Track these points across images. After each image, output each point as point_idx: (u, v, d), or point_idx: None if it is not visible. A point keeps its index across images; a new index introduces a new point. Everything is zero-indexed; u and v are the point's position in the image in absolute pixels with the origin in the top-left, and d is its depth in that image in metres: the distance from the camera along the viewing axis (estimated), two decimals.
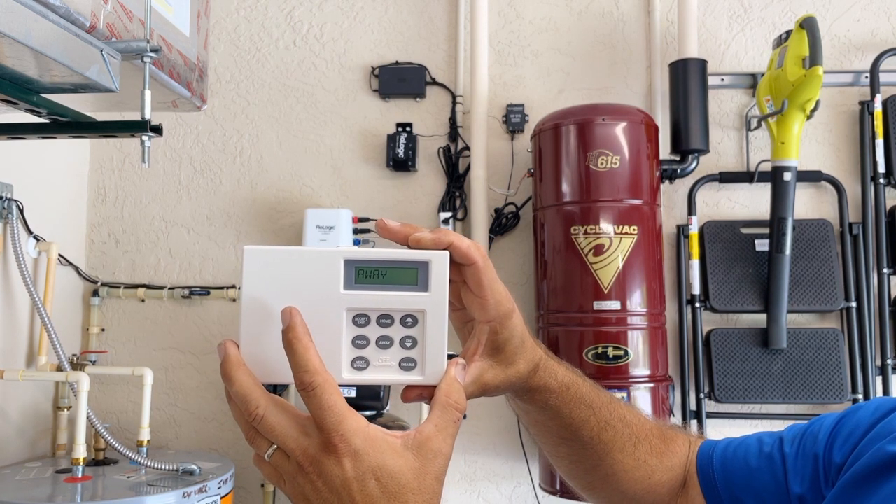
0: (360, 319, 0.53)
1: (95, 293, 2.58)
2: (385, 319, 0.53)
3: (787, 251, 2.24)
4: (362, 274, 0.52)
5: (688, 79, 2.32)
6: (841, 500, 0.56)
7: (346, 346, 0.53)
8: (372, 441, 0.48)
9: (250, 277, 0.51)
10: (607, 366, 2.05)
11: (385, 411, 2.22)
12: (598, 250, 2.09)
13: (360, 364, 0.53)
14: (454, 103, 2.54)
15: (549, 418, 0.66)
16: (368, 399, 2.12)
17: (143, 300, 2.59)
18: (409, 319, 0.53)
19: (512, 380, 0.59)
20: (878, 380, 2.32)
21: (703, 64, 2.34)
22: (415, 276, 0.53)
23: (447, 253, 0.53)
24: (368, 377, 0.53)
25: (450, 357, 0.55)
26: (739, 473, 0.68)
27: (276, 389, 2.32)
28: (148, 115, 1.34)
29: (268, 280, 0.51)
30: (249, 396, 0.49)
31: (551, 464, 0.75)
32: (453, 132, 2.53)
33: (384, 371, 0.53)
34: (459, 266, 0.55)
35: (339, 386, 0.50)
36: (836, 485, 0.58)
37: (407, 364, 0.53)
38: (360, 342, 0.53)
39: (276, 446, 0.49)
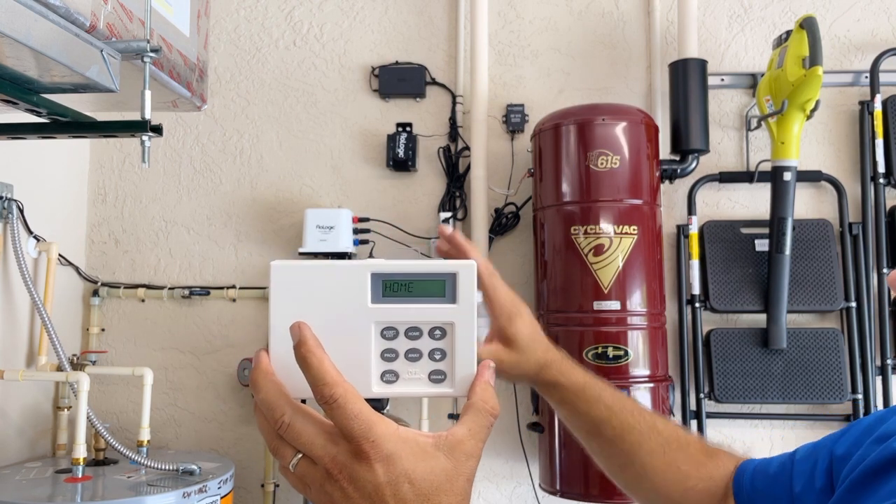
0: (388, 332, 0.52)
1: (95, 293, 2.58)
2: (414, 332, 0.53)
3: (787, 251, 2.24)
4: (389, 287, 0.52)
5: (688, 79, 2.32)
6: (849, 497, 0.58)
7: (375, 360, 0.52)
8: (404, 444, 0.48)
9: (278, 293, 0.51)
10: (607, 366, 2.05)
11: (385, 412, 2.22)
12: (598, 250, 2.09)
13: (389, 377, 0.53)
14: (454, 103, 2.54)
15: (569, 413, 0.76)
16: (368, 400, 2.12)
17: (143, 300, 2.59)
18: (437, 332, 0.53)
19: (524, 368, 0.69)
20: (878, 380, 2.32)
21: (703, 64, 2.34)
22: (442, 287, 0.52)
23: (474, 263, 0.53)
24: (398, 390, 0.53)
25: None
26: (762, 483, 0.73)
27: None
28: (148, 115, 1.34)
29: (295, 295, 0.51)
30: (275, 403, 0.49)
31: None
32: (453, 132, 2.53)
33: (414, 384, 0.53)
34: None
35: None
36: (844, 482, 0.60)
37: (436, 376, 0.53)
38: (388, 355, 0.53)
39: (300, 455, 0.48)
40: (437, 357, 0.53)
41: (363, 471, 0.46)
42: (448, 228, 0.68)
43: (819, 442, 0.71)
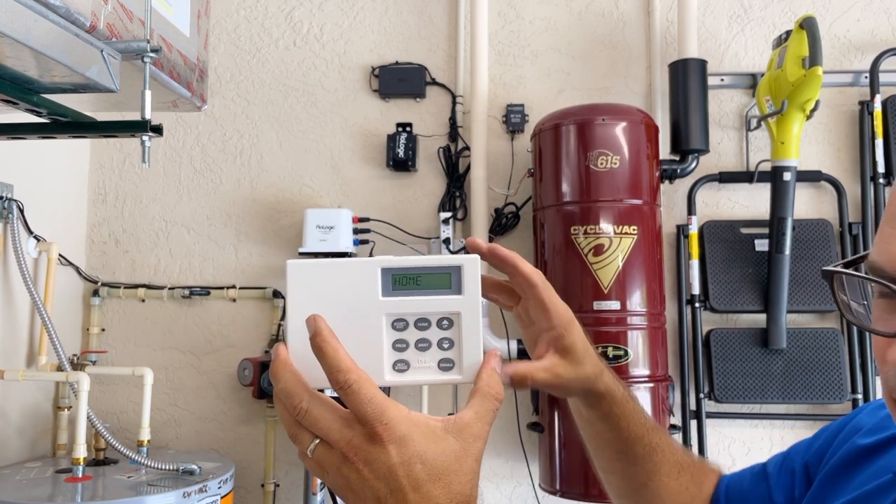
0: (398, 324, 0.55)
1: (95, 293, 2.58)
2: (422, 323, 0.55)
3: (787, 251, 2.24)
4: (399, 281, 0.55)
5: (688, 79, 2.32)
6: (821, 491, 0.63)
7: (387, 350, 0.55)
8: (416, 426, 0.50)
9: (294, 290, 0.54)
10: None
11: None
12: (598, 250, 2.09)
13: (401, 366, 0.55)
14: (454, 103, 2.54)
15: (608, 428, 0.71)
16: None
17: (143, 300, 2.59)
18: (445, 322, 0.56)
19: (581, 378, 0.65)
20: (878, 380, 2.31)
21: (702, 64, 2.34)
22: (448, 280, 0.55)
23: (477, 257, 0.57)
24: (410, 378, 0.56)
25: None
26: (737, 497, 0.75)
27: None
28: (148, 115, 1.34)
29: (311, 292, 0.54)
30: (293, 391, 0.51)
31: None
32: (453, 132, 2.53)
33: (424, 372, 0.56)
34: (522, 287, 0.64)
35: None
36: (816, 479, 0.66)
37: (445, 364, 0.56)
38: (399, 345, 0.55)
39: (318, 440, 0.51)
40: (446, 346, 0.56)
41: (377, 452, 0.49)
42: (481, 243, 0.62)
43: (790, 452, 0.74)
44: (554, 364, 0.63)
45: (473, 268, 0.56)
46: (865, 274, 0.49)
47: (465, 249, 0.64)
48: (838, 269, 0.51)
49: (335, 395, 0.52)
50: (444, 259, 0.56)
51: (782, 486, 0.72)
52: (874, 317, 0.49)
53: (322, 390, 0.52)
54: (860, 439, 0.64)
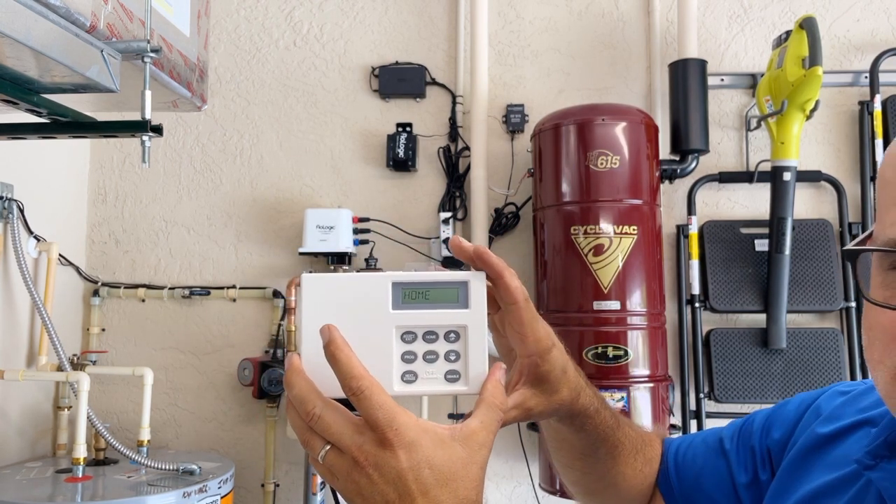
0: (407, 336, 0.57)
1: (96, 293, 2.58)
2: (430, 335, 0.58)
3: (787, 251, 2.24)
4: (408, 295, 0.57)
5: (687, 79, 2.32)
6: (786, 478, 0.66)
7: (396, 361, 0.57)
8: (424, 433, 0.51)
9: (309, 302, 0.56)
10: (607, 366, 2.05)
11: None
12: (598, 250, 2.09)
13: (409, 377, 0.57)
14: (454, 103, 2.54)
15: (579, 438, 0.71)
16: None
17: (143, 300, 2.59)
18: (452, 335, 0.58)
19: (555, 406, 0.64)
20: None
21: (702, 64, 2.34)
22: (455, 294, 0.58)
23: (483, 273, 0.59)
24: (418, 389, 0.57)
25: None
26: (690, 475, 0.76)
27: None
28: (148, 115, 1.34)
29: (324, 304, 0.56)
30: (306, 398, 0.52)
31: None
32: (453, 132, 2.53)
33: (431, 383, 0.58)
34: (503, 299, 0.60)
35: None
36: (780, 466, 0.68)
37: (452, 376, 0.58)
38: (408, 357, 0.57)
39: (329, 446, 0.52)
40: (452, 358, 0.58)
41: (387, 457, 0.50)
42: (465, 243, 0.59)
43: (745, 426, 0.75)
44: (525, 398, 0.61)
45: (479, 283, 0.58)
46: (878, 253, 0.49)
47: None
48: (866, 247, 0.50)
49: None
50: (452, 275, 0.58)
51: (743, 463, 0.72)
52: (886, 295, 0.49)
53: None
54: (819, 427, 0.67)
